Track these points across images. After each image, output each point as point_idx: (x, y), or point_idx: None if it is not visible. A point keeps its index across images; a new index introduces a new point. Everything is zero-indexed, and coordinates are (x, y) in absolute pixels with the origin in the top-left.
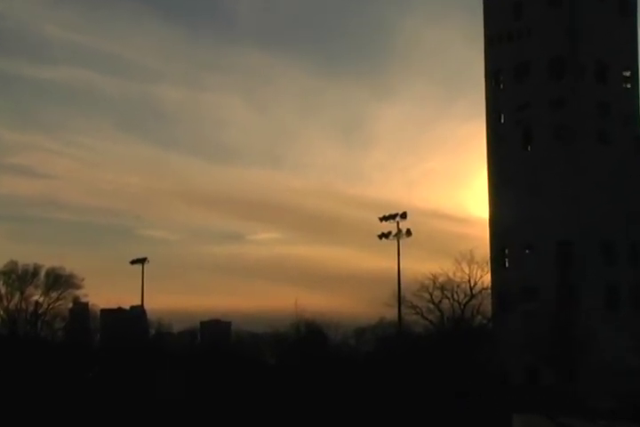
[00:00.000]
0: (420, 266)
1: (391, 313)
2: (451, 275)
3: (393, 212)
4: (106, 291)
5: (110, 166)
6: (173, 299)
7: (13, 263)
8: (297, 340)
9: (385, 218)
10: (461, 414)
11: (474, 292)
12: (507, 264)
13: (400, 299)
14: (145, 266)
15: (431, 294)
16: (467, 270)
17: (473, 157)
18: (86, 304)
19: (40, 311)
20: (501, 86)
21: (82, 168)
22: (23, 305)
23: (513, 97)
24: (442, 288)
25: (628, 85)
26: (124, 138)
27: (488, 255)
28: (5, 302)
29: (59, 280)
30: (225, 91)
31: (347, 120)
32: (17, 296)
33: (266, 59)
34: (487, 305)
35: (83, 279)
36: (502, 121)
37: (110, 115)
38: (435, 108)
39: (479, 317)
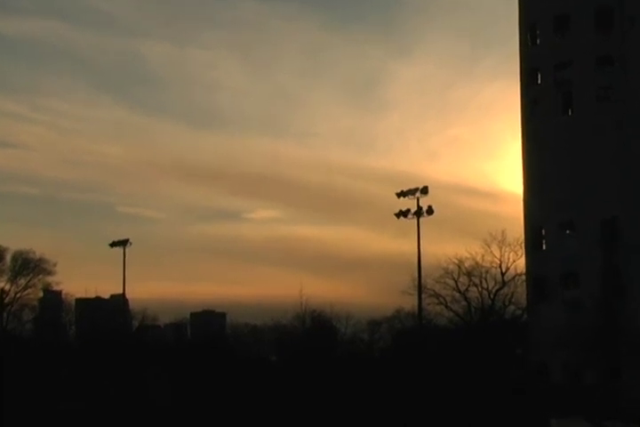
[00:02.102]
0: (444, 249)
1: (410, 303)
2: (479, 259)
3: (412, 186)
4: (82, 277)
5: (87, 134)
6: (160, 287)
7: None
8: (302, 333)
9: (403, 193)
10: (494, 418)
11: (506, 278)
12: (544, 246)
13: (420, 287)
14: (127, 249)
15: (456, 281)
16: (497, 254)
17: (504, 123)
18: (59, 293)
19: (6, 301)
20: (538, 41)
21: (54, 136)
22: None
23: (551, 53)
24: (469, 274)
25: None
26: (103, 102)
27: (522, 236)
28: None
29: (27, 265)
30: (218, 48)
31: (358, 81)
32: None
33: (264, 11)
34: (521, 293)
35: (55, 264)
36: (539, 81)
37: (86, 75)
38: (459, 67)
39: (512, 307)
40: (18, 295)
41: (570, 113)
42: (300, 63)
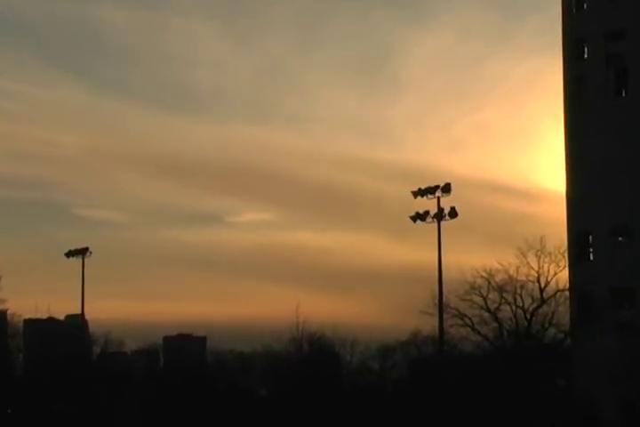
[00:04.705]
0: (470, 259)
1: (429, 325)
2: (512, 271)
3: (431, 183)
4: (31, 294)
5: (36, 120)
6: (126, 305)
7: None
8: (298, 362)
9: (420, 192)
10: None
11: (545, 295)
12: (591, 257)
13: (442, 305)
14: (86, 259)
15: (485, 299)
16: (535, 265)
17: (543, 107)
18: (4, 313)
19: None
20: (585, 6)
21: None
22: None
23: (601, 22)
24: (500, 290)
25: None
26: (56, 80)
27: (565, 244)
28: None
29: None
30: (194, 15)
31: (366, 57)
32: None
33: None
34: (564, 313)
35: None
36: (586, 56)
37: (34, 48)
38: (489, 39)
39: (552, 329)
40: None
41: (623, 94)
42: (295, 34)
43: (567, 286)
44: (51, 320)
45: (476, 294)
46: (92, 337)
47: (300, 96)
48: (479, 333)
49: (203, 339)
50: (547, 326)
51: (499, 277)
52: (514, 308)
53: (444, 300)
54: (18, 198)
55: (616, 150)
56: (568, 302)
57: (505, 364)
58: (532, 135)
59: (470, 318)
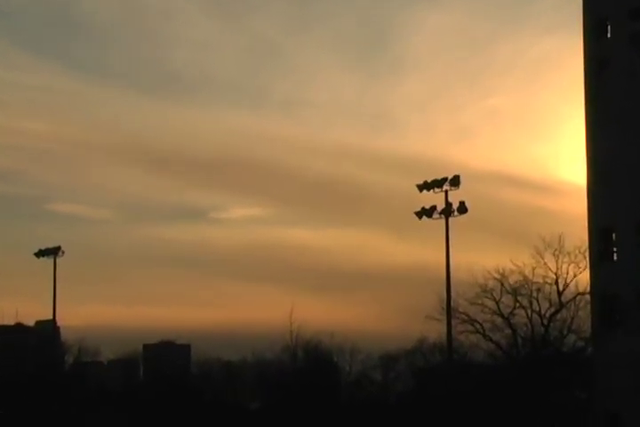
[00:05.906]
0: (481, 259)
1: (436, 331)
2: (528, 273)
3: (438, 176)
4: None
5: (4, 106)
6: (102, 310)
7: None
8: (292, 372)
9: (426, 185)
10: None
11: (564, 299)
12: (614, 256)
13: (450, 310)
14: (58, 259)
15: (498, 303)
16: (553, 266)
17: (560, 92)
18: None
19: None
20: None
21: None
22: None
23: None
24: (514, 293)
25: None
26: (24, 62)
27: (586, 243)
28: None
29: None
30: None
31: (366, 36)
32: None
33: None
34: (584, 319)
35: None
36: (608, 35)
37: (5, 29)
38: (500, 17)
39: (572, 336)
40: None
41: None
42: (287, 12)
43: (588, 288)
44: (19, 326)
45: (487, 297)
46: (65, 345)
47: (294, 80)
48: (491, 340)
49: (186, 347)
50: (565, 332)
51: (513, 279)
52: (529, 312)
53: (452, 304)
54: None
55: None
56: (589, 306)
57: (520, 374)
58: (549, 123)
59: (481, 324)
